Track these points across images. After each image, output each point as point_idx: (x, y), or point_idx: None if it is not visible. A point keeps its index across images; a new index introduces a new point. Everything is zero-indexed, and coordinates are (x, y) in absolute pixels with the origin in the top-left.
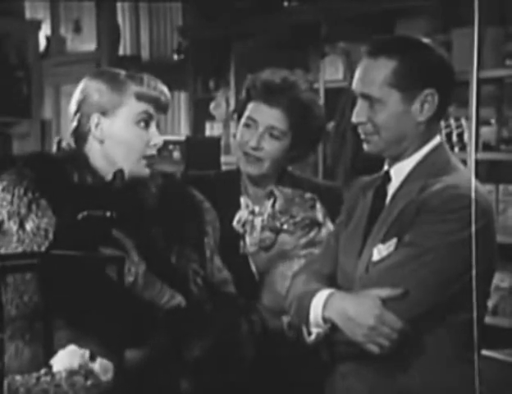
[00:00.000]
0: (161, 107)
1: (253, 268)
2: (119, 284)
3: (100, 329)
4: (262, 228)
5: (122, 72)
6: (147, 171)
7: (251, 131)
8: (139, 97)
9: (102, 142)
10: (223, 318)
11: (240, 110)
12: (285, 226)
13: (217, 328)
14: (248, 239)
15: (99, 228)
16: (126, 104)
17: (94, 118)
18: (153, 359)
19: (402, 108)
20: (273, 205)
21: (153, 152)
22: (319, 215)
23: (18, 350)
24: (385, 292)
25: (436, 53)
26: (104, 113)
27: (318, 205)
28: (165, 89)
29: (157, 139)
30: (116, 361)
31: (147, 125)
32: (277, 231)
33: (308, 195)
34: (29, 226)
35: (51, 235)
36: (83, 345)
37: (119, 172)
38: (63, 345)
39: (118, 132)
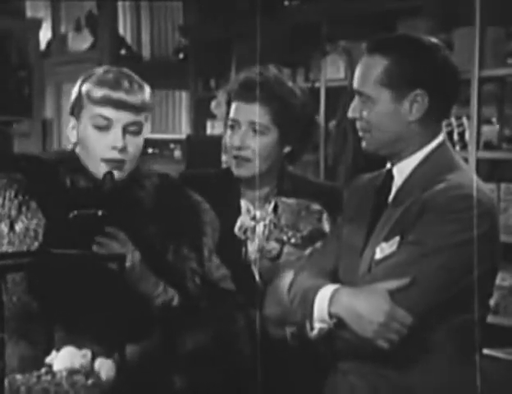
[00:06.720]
0: (127, 107)
1: (257, 277)
2: (120, 280)
3: (99, 327)
4: (268, 238)
5: (94, 72)
6: (118, 174)
7: (235, 132)
8: (91, 99)
9: (76, 145)
10: (219, 313)
11: (227, 115)
12: (292, 240)
13: (211, 323)
14: (249, 246)
15: (90, 226)
16: (85, 107)
17: (71, 121)
18: (149, 355)
19: (392, 107)
20: (275, 210)
21: (116, 156)
22: (326, 226)
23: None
24: (392, 284)
25: (433, 54)
26: (76, 116)
27: (325, 216)
28: (135, 86)
29: (117, 142)
30: (118, 359)
31: (107, 127)
32: (283, 243)
33: (314, 208)
34: (18, 227)
35: (40, 237)
36: (82, 345)
37: (108, 174)
38: (63, 346)
39: (81, 135)
